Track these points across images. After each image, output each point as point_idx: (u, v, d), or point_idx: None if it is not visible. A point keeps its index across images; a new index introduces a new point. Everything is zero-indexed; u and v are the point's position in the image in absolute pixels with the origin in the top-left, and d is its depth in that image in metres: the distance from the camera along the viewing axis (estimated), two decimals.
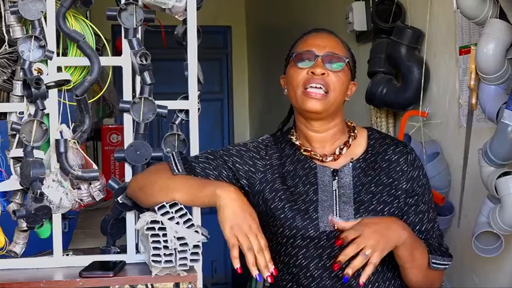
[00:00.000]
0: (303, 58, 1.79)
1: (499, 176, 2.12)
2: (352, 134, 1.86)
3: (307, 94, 1.76)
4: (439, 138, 2.74)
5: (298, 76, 1.78)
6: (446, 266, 1.80)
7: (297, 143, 1.86)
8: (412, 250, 1.72)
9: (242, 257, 1.63)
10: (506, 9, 2.06)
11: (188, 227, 1.71)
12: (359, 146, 1.85)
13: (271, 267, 1.61)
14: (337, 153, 1.82)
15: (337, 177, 1.80)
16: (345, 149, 1.83)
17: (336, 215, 1.75)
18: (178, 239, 1.70)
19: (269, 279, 1.61)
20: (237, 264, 1.60)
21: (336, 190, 1.78)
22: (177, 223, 1.70)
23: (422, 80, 2.74)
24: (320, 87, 1.76)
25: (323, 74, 1.76)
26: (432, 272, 1.77)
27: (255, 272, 1.60)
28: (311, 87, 1.76)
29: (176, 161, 1.82)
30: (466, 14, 2.20)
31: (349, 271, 1.60)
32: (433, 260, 1.76)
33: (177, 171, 1.80)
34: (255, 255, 1.61)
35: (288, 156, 1.85)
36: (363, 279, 1.61)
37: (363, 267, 1.62)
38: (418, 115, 2.78)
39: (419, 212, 1.81)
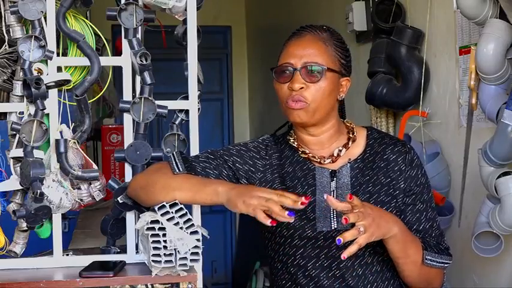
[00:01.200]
0: (282, 73, 1.79)
1: (499, 176, 2.12)
2: (351, 135, 1.85)
3: (289, 107, 1.77)
4: (439, 138, 2.74)
5: (280, 91, 1.80)
6: (443, 265, 1.79)
7: (295, 144, 1.86)
8: (404, 245, 1.71)
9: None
10: (506, 9, 2.06)
11: (188, 227, 1.71)
12: (357, 146, 1.85)
13: (302, 199, 1.58)
14: (335, 155, 1.82)
15: (335, 178, 1.80)
16: (343, 150, 1.82)
17: (333, 215, 1.75)
18: (178, 240, 1.70)
19: (305, 202, 1.57)
20: (267, 221, 1.56)
21: (334, 191, 1.79)
22: (177, 223, 1.70)
23: (422, 80, 2.74)
24: (299, 100, 1.76)
25: (302, 88, 1.76)
26: (428, 270, 1.77)
27: (284, 214, 1.56)
28: (292, 101, 1.77)
29: (177, 161, 1.82)
30: (466, 14, 2.20)
31: (341, 238, 1.58)
32: (427, 256, 1.75)
33: (177, 170, 1.80)
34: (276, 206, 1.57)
35: (288, 157, 1.86)
36: (345, 254, 1.59)
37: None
38: (418, 115, 2.79)
39: (417, 211, 1.80)
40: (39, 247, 2.07)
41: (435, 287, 1.82)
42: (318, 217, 1.75)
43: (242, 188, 1.69)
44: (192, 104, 2.00)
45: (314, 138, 1.83)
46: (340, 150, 1.82)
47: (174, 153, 1.86)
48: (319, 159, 1.82)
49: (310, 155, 1.82)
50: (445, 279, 1.85)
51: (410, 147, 1.85)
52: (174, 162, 1.82)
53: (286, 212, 1.56)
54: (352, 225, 1.60)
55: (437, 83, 2.75)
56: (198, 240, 1.72)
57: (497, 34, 2.07)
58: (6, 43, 1.96)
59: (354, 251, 1.60)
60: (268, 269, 4.34)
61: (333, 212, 1.75)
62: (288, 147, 1.87)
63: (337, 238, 1.58)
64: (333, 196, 1.77)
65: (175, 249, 1.71)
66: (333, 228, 1.75)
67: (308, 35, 1.81)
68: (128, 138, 1.97)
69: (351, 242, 1.60)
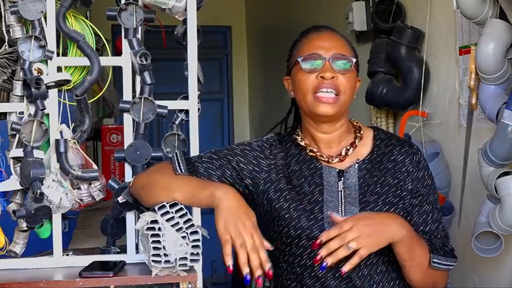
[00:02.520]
0: (310, 62, 1.77)
1: (499, 176, 2.12)
2: (358, 134, 1.85)
3: (318, 99, 1.75)
4: (439, 138, 2.74)
5: (306, 81, 1.76)
6: (449, 267, 1.78)
7: (303, 143, 1.85)
8: (411, 248, 1.71)
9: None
10: (506, 9, 2.06)
11: (188, 227, 1.71)
12: (365, 146, 1.84)
13: (267, 267, 1.57)
14: (343, 154, 1.81)
15: (343, 178, 1.79)
16: (351, 149, 1.82)
17: (342, 215, 1.74)
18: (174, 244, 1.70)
19: (259, 282, 1.55)
20: (228, 261, 1.57)
21: (341, 191, 1.78)
22: (177, 223, 1.70)
23: (422, 80, 2.74)
24: (331, 91, 1.75)
25: (333, 77, 1.75)
26: (434, 272, 1.77)
27: (245, 271, 1.56)
28: (322, 91, 1.75)
29: (179, 161, 1.82)
30: (466, 14, 2.20)
31: (329, 260, 1.60)
32: (434, 260, 1.75)
33: (179, 171, 1.80)
34: (247, 254, 1.58)
35: (294, 156, 1.85)
36: (345, 268, 1.61)
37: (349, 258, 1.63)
38: (418, 115, 2.79)
39: (423, 213, 1.80)
40: (39, 247, 2.07)
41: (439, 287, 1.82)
42: (326, 217, 1.75)
43: (236, 202, 1.64)
44: (192, 104, 2.00)
45: (326, 136, 1.82)
46: (348, 149, 1.82)
47: (177, 153, 1.86)
48: (327, 158, 1.81)
49: (318, 153, 1.82)
50: (448, 280, 1.85)
51: (417, 149, 1.85)
52: (176, 163, 1.82)
53: (247, 272, 1.55)
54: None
55: (437, 83, 2.75)
56: (196, 245, 1.72)
57: (497, 34, 2.07)
58: (6, 43, 1.96)
59: (356, 262, 1.62)
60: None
61: (341, 211, 1.75)
62: (294, 146, 1.87)
63: (323, 264, 1.61)
64: (340, 196, 1.77)
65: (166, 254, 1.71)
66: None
67: (329, 31, 1.83)
68: (128, 138, 1.97)
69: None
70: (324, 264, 1.61)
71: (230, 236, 1.60)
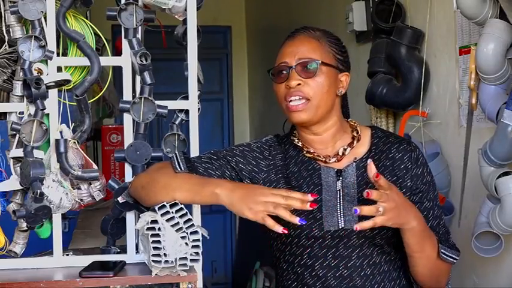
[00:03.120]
0: (279, 73, 1.80)
1: (499, 176, 2.13)
2: (355, 135, 1.85)
3: (289, 108, 1.78)
4: (439, 138, 2.74)
5: (278, 91, 1.80)
6: (454, 260, 1.79)
7: (299, 144, 1.86)
8: (421, 239, 1.71)
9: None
10: (506, 9, 2.06)
11: (188, 227, 1.71)
12: (362, 145, 1.84)
13: (309, 197, 1.58)
14: (340, 154, 1.82)
15: (341, 178, 1.79)
16: (348, 149, 1.82)
17: (340, 214, 1.75)
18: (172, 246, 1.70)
19: (313, 205, 1.58)
20: (279, 229, 1.57)
21: (339, 190, 1.78)
22: (177, 223, 1.70)
23: (422, 80, 2.74)
24: (299, 99, 1.76)
25: (299, 84, 1.76)
26: (440, 264, 1.77)
27: (296, 220, 1.57)
28: (291, 101, 1.77)
29: (179, 160, 1.82)
30: (466, 14, 2.20)
31: (358, 209, 1.59)
32: (442, 250, 1.76)
33: (179, 169, 1.80)
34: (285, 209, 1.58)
35: (292, 157, 1.85)
36: (357, 225, 1.59)
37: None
38: (418, 115, 2.79)
39: (424, 210, 1.80)
40: (39, 247, 2.07)
41: (441, 285, 1.83)
42: (325, 216, 1.75)
43: (243, 190, 1.66)
44: (192, 104, 2.00)
45: (317, 137, 1.83)
46: (345, 149, 1.82)
47: (177, 153, 1.86)
48: (324, 159, 1.81)
49: (315, 154, 1.82)
50: (450, 278, 1.85)
51: (415, 146, 1.85)
52: (176, 162, 1.82)
53: (298, 219, 1.57)
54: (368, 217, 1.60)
55: (437, 83, 2.75)
56: (196, 245, 1.72)
57: (497, 34, 2.07)
58: (6, 43, 1.96)
59: (368, 226, 1.59)
60: (268, 269, 4.37)
61: (340, 211, 1.75)
62: (292, 147, 1.87)
63: (354, 208, 1.58)
64: (339, 196, 1.77)
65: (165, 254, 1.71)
66: (340, 227, 1.75)
67: (301, 35, 1.83)
68: (128, 138, 1.97)
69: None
70: (356, 209, 1.58)
71: (262, 211, 1.59)
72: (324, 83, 1.77)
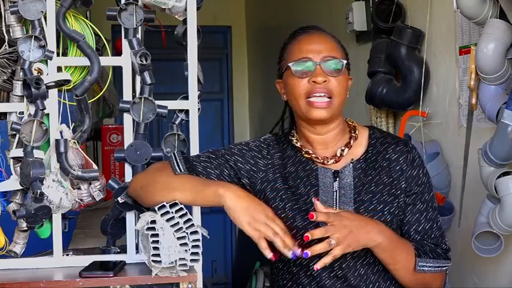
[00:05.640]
0: (301, 67, 1.76)
1: (499, 176, 2.13)
2: (353, 134, 1.85)
3: (311, 104, 1.75)
4: (439, 138, 2.74)
5: (299, 86, 1.76)
6: (440, 269, 1.77)
7: (298, 145, 1.85)
8: (391, 253, 1.71)
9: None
10: (506, 9, 2.06)
11: (188, 227, 1.71)
12: (360, 145, 1.84)
13: (297, 250, 1.62)
14: (338, 155, 1.81)
15: (338, 178, 1.79)
16: (346, 150, 1.82)
17: None
18: (178, 238, 1.70)
19: (302, 252, 1.61)
20: (269, 254, 1.62)
21: (336, 191, 1.78)
22: (177, 223, 1.70)
23: (422, 80, 2.74)
24: (324, 96, 1.75)
25: (325, 81, 1.75)
26: (421, 275, 1.76)
27: (289, 253, 1.61)
28: (315, 96, 1.75)
29: (178, 160, 1.82)
30: (466, 14, 2.20)
31: (309, 252, 1.60)
32: (419, 263, 1.74)
33: (178, 170, 1.80)
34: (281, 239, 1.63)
35: (290, 157, 1.85)
36: (317, 265, 1.61)
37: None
38: (418, 115, 2.79)
39: (417, 212, 1.80)
40: (39, 247, 2.07)
41: (434, 287, 1.82)
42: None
43: (249, 201, 1.67)
44: (192, 104, 2.00)
45: (321, 137, 1.82)
46: (343, 150, 1.82)
47: (175, 153, 1.86)
48: (322, 160, 1.81)
49: (313, 155, 1.82)
50: (447, 279, 1.84)
51: (412, 147, 1.85)
52: (175, 162, 1.82)
53: (290, 252, 1.61)
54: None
55: (437, 83, 2.75)
56: (196, 245, 1.72)
57: (497, 34, 2.07)
58: (6, 43, 1.96)
59: (329, 262, 1.62)
60: (268, 269, 4.36)
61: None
62: (290, 147, 1.87)
63: (305, 251, 1.60)
64: (336, 196, 1.78)
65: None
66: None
67: (317, 33, 1.82)
68: (128, 138, 1.97)
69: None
70: (306, 252, 1.60)
71: (259, 231, 1.63)
72: (344, 84, 1.78)
